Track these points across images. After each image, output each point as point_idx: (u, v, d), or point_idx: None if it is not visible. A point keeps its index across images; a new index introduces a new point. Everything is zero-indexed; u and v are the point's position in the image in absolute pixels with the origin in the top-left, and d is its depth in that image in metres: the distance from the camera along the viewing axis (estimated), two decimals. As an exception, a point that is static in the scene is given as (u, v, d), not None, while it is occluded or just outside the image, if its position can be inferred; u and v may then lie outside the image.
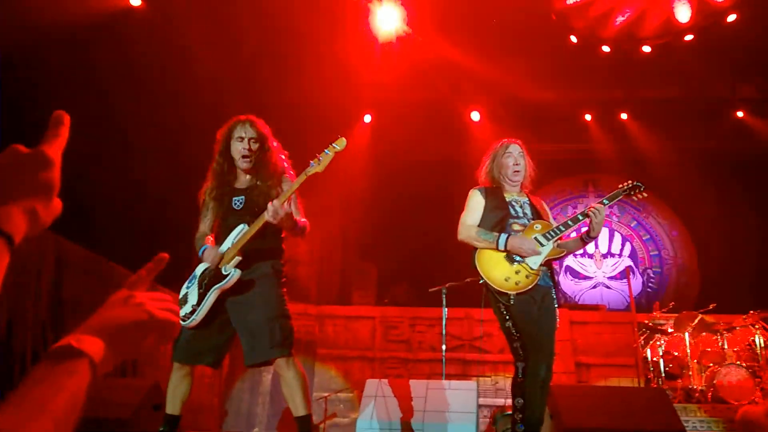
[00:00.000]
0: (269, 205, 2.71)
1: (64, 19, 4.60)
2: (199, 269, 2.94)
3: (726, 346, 6.20)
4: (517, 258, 2.99)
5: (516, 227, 3.11)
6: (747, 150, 8.68)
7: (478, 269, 3.05)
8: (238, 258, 2.82)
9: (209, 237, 3.05)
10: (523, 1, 6.97)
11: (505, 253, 3.01)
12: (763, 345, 6.17)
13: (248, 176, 3.08)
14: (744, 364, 5.94)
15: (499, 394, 6.75)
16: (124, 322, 0.76)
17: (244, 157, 3.01)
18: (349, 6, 6.71)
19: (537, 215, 3.20)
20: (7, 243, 0.66)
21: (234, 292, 2.83)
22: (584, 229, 3.12)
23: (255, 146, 3.03)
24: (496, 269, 3.00)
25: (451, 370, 6.70)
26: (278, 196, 2.86)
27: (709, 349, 6.21)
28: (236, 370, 6.30)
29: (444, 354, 4.80)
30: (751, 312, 6.36)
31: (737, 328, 6.31)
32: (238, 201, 2.99)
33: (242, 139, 3.02)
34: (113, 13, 5.41)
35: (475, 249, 3.10)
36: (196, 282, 2.90)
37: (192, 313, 2.81)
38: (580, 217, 3.04)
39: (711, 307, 6.48)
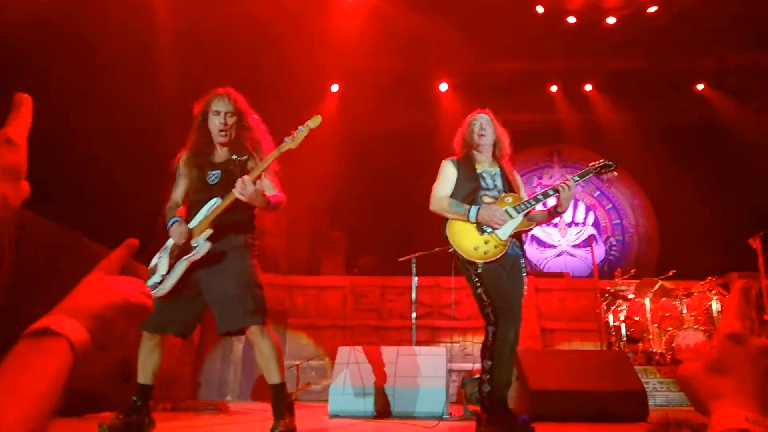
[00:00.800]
0: (239, 180, 2.70)
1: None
2: (171, 241, 2.92)
3: (684, 311, 6.47)
4: (487, 229, 3.05)
5: (487, 199, 3.16)
6: (706, 121, 8.93)
7: (449, 238, 3.11)
8: (209, 231, 2.82)
9: (181, 208, 3.02)
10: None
11: (475, 224, 3.07)
12: (719, 310, 6.46)
13: (225, 149, 3.04)
14: (701, 328, 6.22)
15: (467, 358, 6.93)
16: (100, 305, 0.76)
17: (220, 131, 2.98)
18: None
19: (508, 187, 3.25)
20: None
21: (205, 264, 2.81)
22: (552, 202, 3.20)
23: (231, 120, 2.99)
24: (466, 239, 3.06)
25: (420, 336, 6.83)
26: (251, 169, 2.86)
27: (669, 314, 6.48)
28: (207, 340, 6.30)
29: (414, 321, 4.89)
30: (709, 278, 6.64)
31: (695, 293, 6.59)
32: (213, 175, 2.96)
33: (219, 113, 2.99)
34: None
35: (446, 219, 3.15)
36: (167, 252, 2.89)
37: (160, 282, 2.80)
38: (551, 192, 3.11)
39: (670, 273, 6.74)
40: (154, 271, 2.88)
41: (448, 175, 3.26)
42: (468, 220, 3.06)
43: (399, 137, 8.81)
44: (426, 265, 5.29)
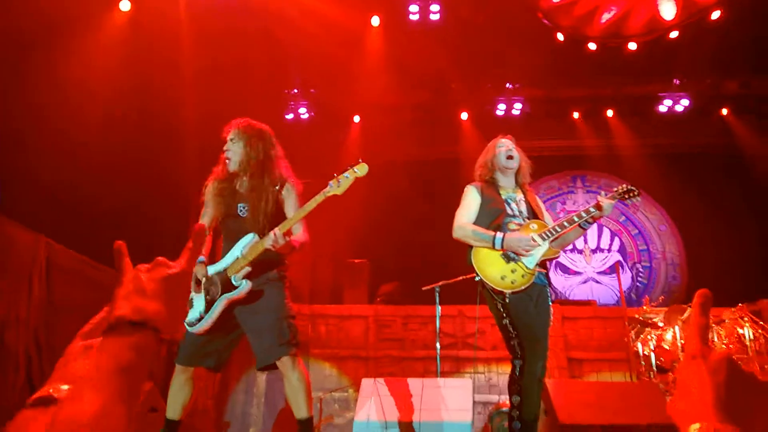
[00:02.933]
0: (271, 234, 2.75)
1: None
2: (201, 277, 2.93)
3: (716, 339, 6.28)
4: (513, 256, 3.00)
5: (512, 226, 3.11)
6: (732, 146, 8.79)
7: (474, 267, 3.06)
8: (248, 269, 2.82)
9: (208, 238, 3.03)
10: (510, 1, 7.01)
11: (501, 252, 3.02)
12: (751, 337, 6.26)
13: (247, 179, 3.07)
14: (734, 357, 6.03)
15: (493, 390, 6.79)
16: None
17: (228, 158, 3.04)
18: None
19: (532, 213, 3.21)
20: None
21: (243, 300, 2.84)
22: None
23: (241, 148, 3.04)
24: (493, 267, 3.01)
25: (444, 367, 6.72)
26: (281, 203, 2.95)
27: (699, 342, 6.29)
28: (230, 372, 6.28)
29: (438, 351, 4.82)
30: (740, 305, 6.45)
31: (726, 320, 6.40)
32: (242, 207, 2.99)
33: (232, 140, 3.06)
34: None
35: (471, 246, 3.11)
36: (203, 289, 2.90)
37: (199, 320, 2.82)
38: (576, 219, 3.04)
39: (700, 300, 6.56)
40: (190, 305, 2.89)
41: (471, 201, 3.21)
42: (493, 248, 3.01)
43: (421, 166, 8.84)
44: (449, 294, 5.24)
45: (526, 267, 2.98)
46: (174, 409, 2.85)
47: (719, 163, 8.92)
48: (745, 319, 6.39)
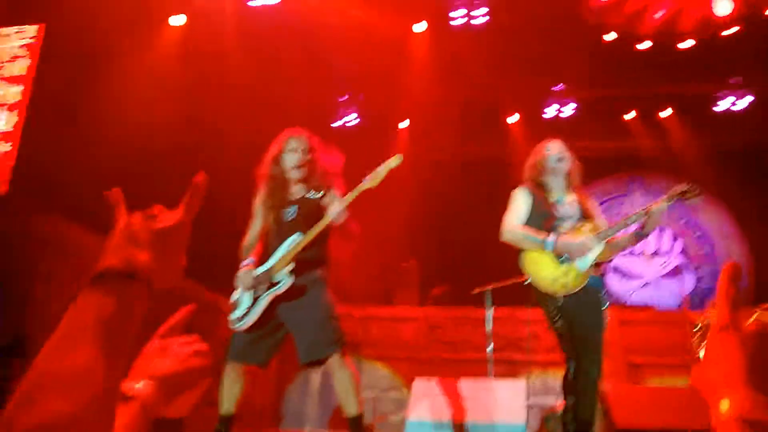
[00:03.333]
0: (333, 206, 2.88)
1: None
2: (246, 277, 3.04)
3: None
4: (566, 259, 2.96)
5: (563, 229, 3.07)
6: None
7: (526, 270, 3.04)
8: (291, 265, 2.93)
9: (257, 246, 3.15)
10: (556, 1, 6.91)
11: (553, 255, 2.99)
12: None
13: (300, 186, 3.18)
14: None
15: (550, 392, 6.67)
16: (165, 372, 0.86)
17: (298, 167, 3.14)
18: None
19: (585, 214, 3.16)
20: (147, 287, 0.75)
21: (287, 297, 2.94)
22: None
23: (307, 157, 3.16)
24: (545, 270, 2.98)
25: (497, 370, 6.66)
26: (324, 209, 3.02)
27: (767, 348, 6.02)
28: (286, 370, 6.42)
29: (491, 354, 4.79)
30: (809, 308, 6.12)
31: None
32: (290, 212, 3.10)
33: (296, 150, 3.16)
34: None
35: (522, 249, 3.08)
36: (249, 286, 3.01)
37: (244, 315, 2.93)
38: (632, 219, 2.98)
39: (768, 304, 6.25)
40: (237, 305, 3.01)
41: (521, 204, 3.19)
42: (544, 251, 2.98)
43: (470, 167, 8.80)
44: (500, 296, 5.20)
45: (579, 269, 2.94)
46: (228, 404, 2.93)
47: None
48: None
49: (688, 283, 8.96)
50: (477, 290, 5.10)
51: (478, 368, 6.89)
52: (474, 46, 7.31)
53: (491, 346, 4.80)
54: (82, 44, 4.92)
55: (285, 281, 2.90)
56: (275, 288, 2.91)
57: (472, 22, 7.17)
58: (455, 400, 3.93)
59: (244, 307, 2.96)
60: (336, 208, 2.86)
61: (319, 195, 3.11)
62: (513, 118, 8.92)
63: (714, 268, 9.16)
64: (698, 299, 8.73)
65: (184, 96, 5.74)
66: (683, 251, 9.34)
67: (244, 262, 3.06)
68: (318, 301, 2.95)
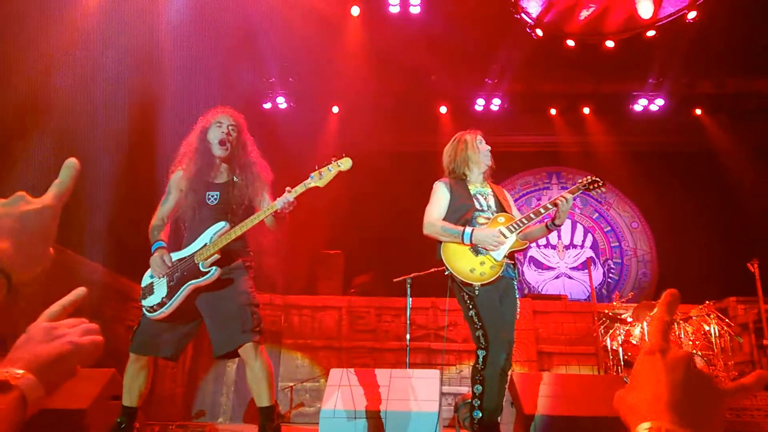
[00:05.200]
0: (284, 197, 2.75)
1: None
2: (161, 262, 2.87)
3: (682, 336, 6.41)
4: (482, 250, 3.03)
5: (481, 220, 3.14)
6: (704, 146, 8.95)
7: (444, 261, 3.08)
8: (217, 256, 2.79)
9: (165, 229, 2.99)
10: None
11: (470, 246, 3.05)
12: (717, 334, 6.40)
13: (225, 170, 3.04)
14: (700, 353, 6.16)
15: (464, 382, 6.85)
16: (50, 356, 0.75)
17: (221, 142, 2.97)
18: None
19: (500, 207, 3.24)
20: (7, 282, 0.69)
21: (209, 288, 2.82)
22: (547, 218, 3.18)
23: (234, 133, 3.00)
24: (462, 261, 3.03)
25: (416, 358, 6.77)
26: (255, 200, 2.95)
27: (666, 338, 6.42)
28: (200, 361, 6.24)
29: (408, 343, 4.84)
30: (707, 302, 6.59)
31: (693, 317, 6.53)
32: (212, 196, 2.95)
33: (221, 124, 3.00)
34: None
35: (440, 242, 3.13)
36: (166, 274, 2.86)
37: (161, 305, 2.79)
38: (542, 211, 3.08)
39: (668, 297, 6.67)
40: (150, 292, 2.84)
41: (441, 198, 3.24)
42: (462, 243, 3.04)
43: (397, 157, 8.83)
44: (423, 286, 5.26)
45: (495, 259, 3.01)
46: (131, 396, 2.83)
47: (692, 162, 9.08)
48: (712, 316, 6.52)
49: (597, 275, 9.44)
50: (397, 279, 5.12)
51: (399, 357, 6.99)
52: (408, 35, 7.31)
53: (408, 335, 4.85)
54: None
55: (212, 273, 2.77)
56: (201, 279, 2.77)
57: (410, 9, 7.17)
58: (370, 389, 3.94)
59: (159, 296, 2.81)
60: (283, 199, 2.75)
61: (246, 181, 2.98)
62: (443, 109, 9.02)
63: (621, 262, 9.71)
64: (606, 291, 9.24)
65: (106, 74, 5.39)
66: (594, 245, 9.82)
67: (156, 245, 2.87)
68: (237, 290, 2.84)
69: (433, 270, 4.52)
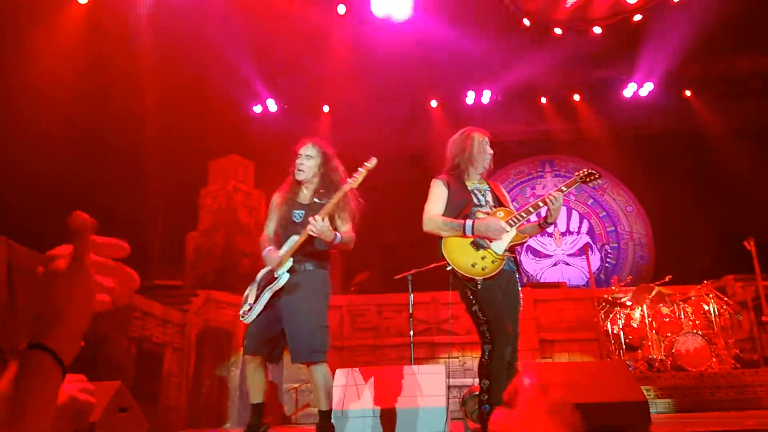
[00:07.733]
0: (311, 219, 3.10)
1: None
2: (260, 273, 3.33)
3: (682, 316, 6.45)
4: (483, 244, 3.03)
5: (479, 215, 3.14)
6: (695, 126, 8.99)
7: (445, 257, 3.08)
8: (289, 263, 3.20)
9: (272, 239, 3.40)
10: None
11: (470, 240, 3.04)
12: (716, 313, 6.45)
13: (309, 192, 3.45)
14: (700, 332, 6.21)
15: (468, 373, 6.87)
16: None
17: (297, 170, 3.41)
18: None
19: (498, 202, 3.25)
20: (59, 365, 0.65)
21: (286, 292, 3.18)
22: (542, 214, 3.19)
23: (309, 162, 3.41)
24: (463, 256, 3.03)
25: (419, 353, 6.78)
26: (333, 213, 3.31)
27: (667, 320, 6.46)
28: (203, 368, 6.23)
29: (411, 338, 4.85)
30: (705, 282, 6.64)
31: (692, 297, 6.58)
32: (298, 214, 3.36)
33: (299, 155, 3.43)
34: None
35: (441, 237, 3.13)
36: (257, 283, 3.31)
37: (249, 310, 3.22)
38: (541, 204, 3.09)
39: (667, 279, 6.72)
40: (246, 300, 3.30)
41: (439, 194, 3.25)
42: (464, 235, 3.03)
43: (392, 154, 8.83)
44: (422, 281, 5.27)
45: (496, 253, 3.01)
46: (255, 393, 3.22)
47: (683, 144, 9.12)
48: (711, 295, 6.58)
49: (594, 260, 9.49)
50: (398, 276, 5.13)
51: (401, 352, 7.00)
52: (394, 31, 7.30)
53: (412, 330, 4.87)
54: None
55: (282, 277, 3.16)
56: (273, 284, 3.16)
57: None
58: (377, 388, 3.95)
59: (249, 302, 3.25)
60: (312, 223, 3.09)
61: (326, 201, 3.32)
62: (434, 103, 9.02)
63: (618, 246, 9.76)
64: (604, 276, 9.28)
65: (92, 79, 5.37)
66: (590, 230, 9.86)
67: (265, 249, 3.31)
68: (310, 306, 3.17)
69: (433, 265, 4.52)
